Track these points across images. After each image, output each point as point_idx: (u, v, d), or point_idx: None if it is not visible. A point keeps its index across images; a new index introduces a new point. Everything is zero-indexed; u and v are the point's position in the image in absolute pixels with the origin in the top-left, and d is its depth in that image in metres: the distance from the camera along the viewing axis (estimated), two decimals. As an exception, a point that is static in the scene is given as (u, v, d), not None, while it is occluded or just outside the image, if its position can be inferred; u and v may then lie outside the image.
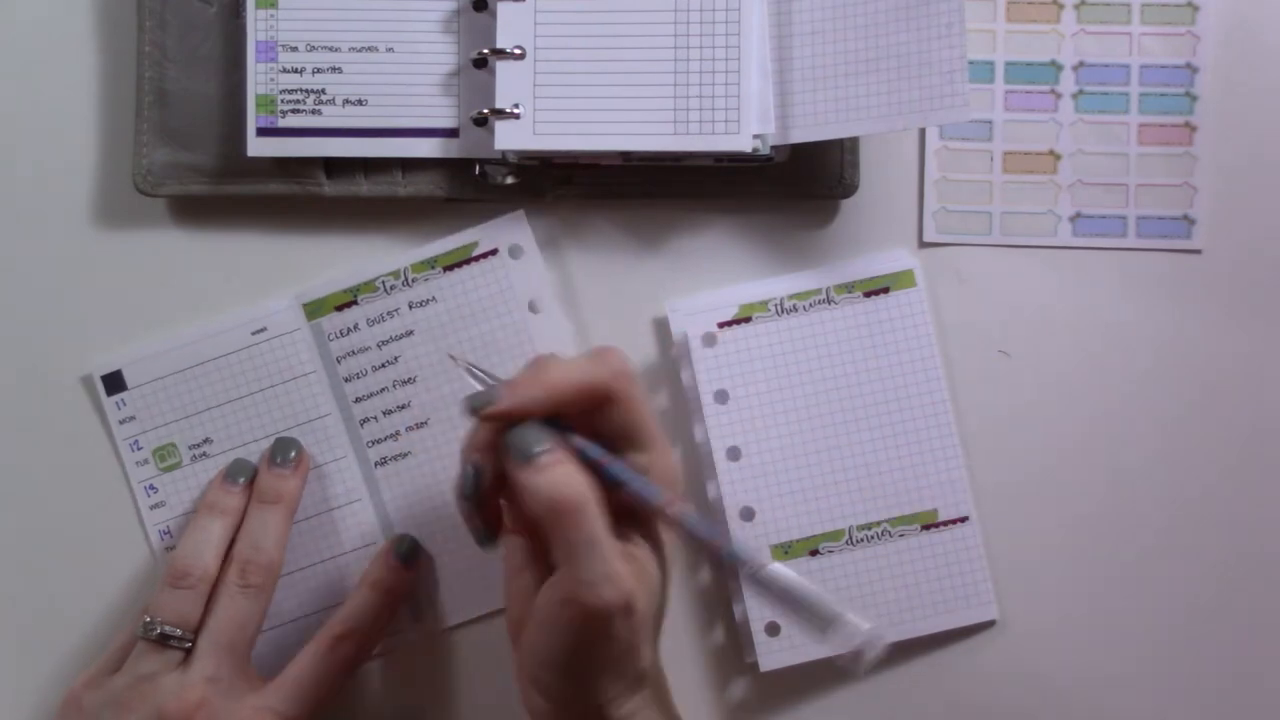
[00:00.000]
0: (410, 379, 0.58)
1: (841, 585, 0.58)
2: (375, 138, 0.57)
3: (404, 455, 0.59)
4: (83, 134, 0.60)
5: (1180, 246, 0.60)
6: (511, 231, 0.59)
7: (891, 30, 0.54)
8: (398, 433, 0.59)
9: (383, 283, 0.58)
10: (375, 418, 0.59)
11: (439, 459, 0.59)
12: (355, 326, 0.59)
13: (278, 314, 0.58)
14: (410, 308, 0.58)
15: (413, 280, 0.58)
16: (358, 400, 0.59)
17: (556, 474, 0.46)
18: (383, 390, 0.59)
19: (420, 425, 0.59)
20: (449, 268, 0.58)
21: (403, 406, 0.59)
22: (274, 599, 0.56)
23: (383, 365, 0.58)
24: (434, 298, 0.58)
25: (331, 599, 0.58)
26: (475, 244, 0.58)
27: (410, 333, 0.58)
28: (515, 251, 0.58)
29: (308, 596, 0.58)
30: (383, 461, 0.59)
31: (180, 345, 0.58)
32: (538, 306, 0.58)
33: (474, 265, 0.58)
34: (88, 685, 0.54)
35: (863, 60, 0.55)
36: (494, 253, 0.58)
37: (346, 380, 0.59)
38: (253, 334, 0.58)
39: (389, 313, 0.58)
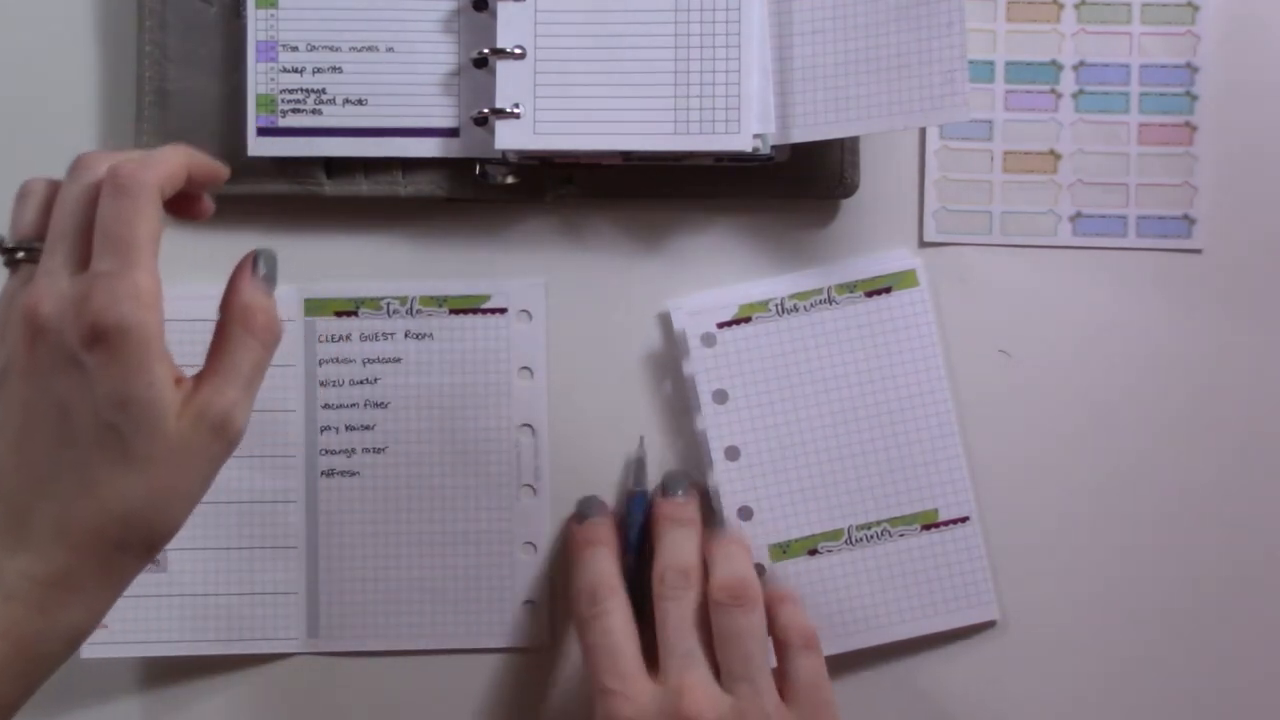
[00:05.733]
0: (383, 403, 0.59)
1: (841, 585, 0.58)
2: (375, 137, 0.57)
3: (352, 474, 0.59)
4: (83, 134, 0.59)
5: (1180, 246, 0.60)
6: (527, 296, 0.59)
7: (891, 30, 0.54)
8: (353, 450, 0.59)
9: (387, 304, 0.59)
10: (336, 429, 0.59)
11: (384, 489, 0.58)
12: (347, 336, 0.59)
13: (279, 298, 0.58)
14: (406, 336, 0.59)
15: (417, 311, 0.59)
16: (325, 407, 0.59)
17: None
18: (353, 405, 0.59)
19: (377, 450, 0.59)
20: (456, 311, 0.59)
21: (367, 427, 0.59)
22: (179, 571, 0.55)
23: (361, 382, 0.59)
24: (432, 334, 0.59)
25: (236, 587, 0.58)
26: (488, 297, 0.59)
27: (398, 360, 0.59)
28: (524, 317, 0.59)
29: (213, 576, 0.58)
30: (330, 473, 0.59)
31: (178, 288, 0.57)
32: (530, 373, 0.59)
33: (480, 316, 0.59)
34: None
35: (863, 60, 0.55)
36: (503, 311, 0.59)
37: (321, 385, 0.59)
38: None
39: (384, 334, 0.59)
